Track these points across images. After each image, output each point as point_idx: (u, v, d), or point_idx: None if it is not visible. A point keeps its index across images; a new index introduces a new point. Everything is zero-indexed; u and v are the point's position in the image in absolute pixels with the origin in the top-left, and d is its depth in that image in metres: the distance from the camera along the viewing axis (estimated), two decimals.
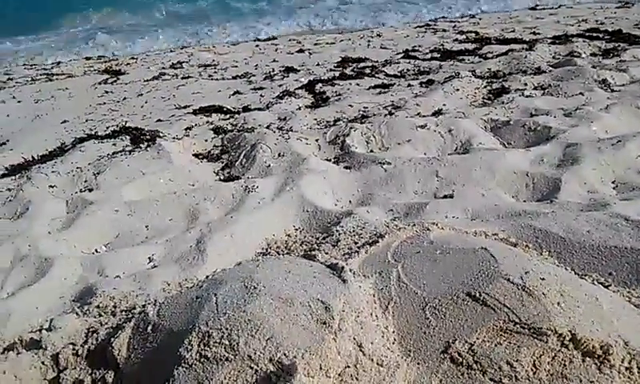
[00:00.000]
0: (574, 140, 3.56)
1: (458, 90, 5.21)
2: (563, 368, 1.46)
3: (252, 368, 1.44)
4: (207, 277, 2.03)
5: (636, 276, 2.12)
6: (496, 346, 1.52)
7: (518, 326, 1.55)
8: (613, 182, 3.13)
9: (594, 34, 7.57)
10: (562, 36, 7.60)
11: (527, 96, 4.82)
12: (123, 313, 2.14)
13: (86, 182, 3.73)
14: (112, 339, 1.80)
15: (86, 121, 5.48)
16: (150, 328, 1.74)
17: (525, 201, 3.07)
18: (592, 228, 2.40)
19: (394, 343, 1.58)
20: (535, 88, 5.12)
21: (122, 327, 1.87)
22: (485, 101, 4.96)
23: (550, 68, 5.82)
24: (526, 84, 5.22)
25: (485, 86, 5.33)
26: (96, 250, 2.93)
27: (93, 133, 4.82)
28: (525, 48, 6.92)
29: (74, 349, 1.87)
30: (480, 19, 11.30)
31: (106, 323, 2.04)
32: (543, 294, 1.59)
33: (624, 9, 10.70)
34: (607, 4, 11.68)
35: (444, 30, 9.85)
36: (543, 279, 1.64)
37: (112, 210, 3.19)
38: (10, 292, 2.50)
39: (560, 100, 4.69)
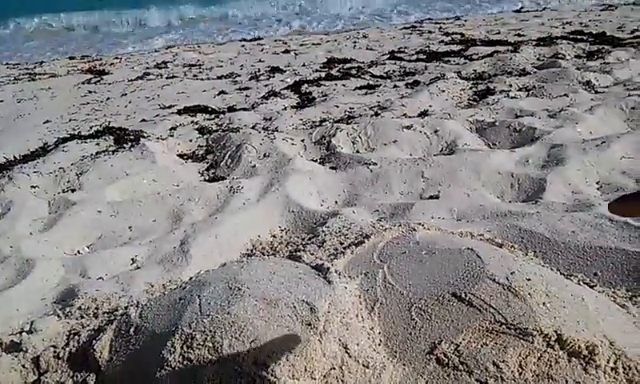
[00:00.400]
0: (559, 141, 3.58)
1: (443, 91, 5.22)
2: (549, 368, 1.46)
3: (236, 370, 1.42)
4: (191, 278, 2.00)
5: (620, 276, 2.12)
6: (482, 346, 1.52)
7: (503, 326, 1.55)
8: (597, 183, 3.14)
9: (579, 37, 7.64)
10: (547, 38, 7.66)
11: (512, 97, 4.85)
12: (105, 315, 2.10)
13: (68, 182, 3.68)
14: (94, 341, 1.76)
15: (69, 121, 5.41)
16: (132, 330, 1.71)
17: (510, 201, 3.08)
18: (577, 228, 2.41)
19: (379, 344, 1.56)
20: (520, 89, 5.15)
21: (103, 329, 1.84)
22: (470, 102, 4.98)
23: (535, 70, 5.86)
24: (510, 85, 5.25)
25: (470, 88, 5.35)
26: (78, 252, 2.88)
27: (76, 133, 4.76)
28: (510, 50, 6.97)
29: (55, 351, 1.83)
30: (465, 21, 11.35)
31: (88, 325, 2.00)
32: (529, 294, 1.58)
33: (608, 11, 10.82)
34: (591, 6, 11.80)
35: (430, 32, 9.88)
36: (529, 280, 1.64)
37: (95, 211, 3.15)
38: None
39: (545, 101, 4.72)
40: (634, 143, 3.45)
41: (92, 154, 4.10)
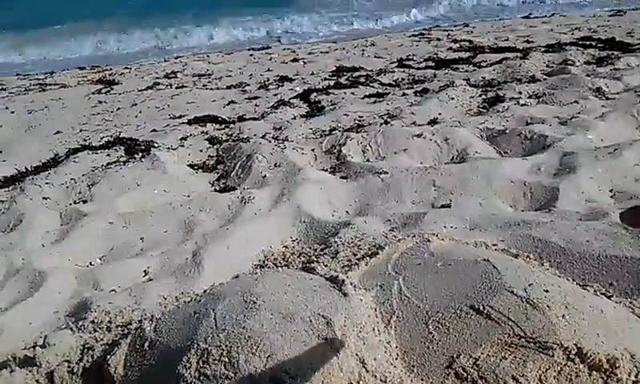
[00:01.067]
0: (571, 148, 3.55)
1: (452, 98, 5.21)
2: (570, 383, 1.44)
3: None
4: (205, 291, 1.99)
5: (637, 286, 2.10)
6: (501, 360, 1.50)
7: (522, 339, 1.53)
8: (610, 191, 3.12)
9: (588, 43, 7.60)
10: (556, 44, 7.63)
11: (522, 104, 4.82)
12: (119, 328, 2.10)
13: (80, 193, 3.69)
14: (108, 356, 1.76)
15: (80, 131, 5.43)
16: (147, 345, 1.70)
17: (523, 210, 3.05)
18: (592, 237, 2.38)
19: (397, 359, 1.55)
20: (530, 96, 5.13)
21: (118, 344, 1.83)
22: (480, 109, 4.96)
23: (545, 76, 5.83)
24: (520, 92, 5.22)
25: (480, 95, 5.34)
26: (90, 263, 2.88)
27: (87, 143, 4.78)
28: (519, 56, 6.94)
29: (69, 366, 1.83)
30: (474, 28, 11.34)
31: (102, 339, 2.00)
32: (548, 306, 1.56)
33: (617, 17, 10.77)
34: (600, 12, 11.76)
35: (438, 39, 9.87)
36: (547, 291, 1.62)
37: (106, 222, 3.15)
38: (3, 307, 2.44)
39: (555, 108, 4.69)
40: None
41: (103, 165, 4.11)
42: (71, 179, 3.87)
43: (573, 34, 8.80)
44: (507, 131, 4.07)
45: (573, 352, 1.46)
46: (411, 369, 1.52)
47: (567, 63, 6.31)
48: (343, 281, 1.81)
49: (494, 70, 6.35)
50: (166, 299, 2.35)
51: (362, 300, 1.72)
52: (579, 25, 9.80)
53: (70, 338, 2.02)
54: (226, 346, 1.49)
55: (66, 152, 4.58)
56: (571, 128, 4.00)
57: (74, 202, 3.60)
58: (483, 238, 2.53)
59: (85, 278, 2.63)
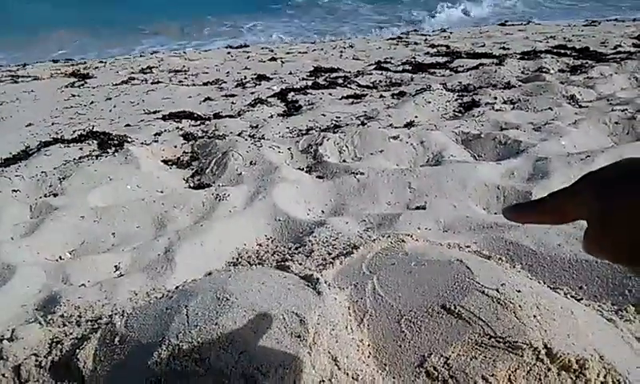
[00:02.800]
0: (544, 154, 3.61)
1: (429, 102, 5.25)
2: (539, 382, 1.45)
3: (224, 383, 1.39)
4: (177, 287, 1.97)
5: (606, 290, 2.14)
6: (471, 359, 1.51)
7: (492, 339, 1.54)
8: None
9: (562, 51, 7.74)
10: (531, 52, 7.75)
11: (497, 110, 4.88)
12: (89, 323, 2.06)
13: (50, 186, 3.62)
14: (77, 351, 1.72)
15: (52, 124, 5.34)
16: (117, 339, 1.67)
17: (496, 213, 3.09)
18: (562, 241, 2.42)
19: (369, 357, 1.55)
20: (505, 102, 5.20)
21: (87, 338, 1.80)
22: (456, 113, 5.01)
23: (520, 83, 5.92)
24: (495, 98, 5.29)
25: (456, 99, 5.39)
26: (60, 257, 2.83)
27: (59, 137, 4.70)
28: (495, 63, 7.03)
29: (36, 360, 1.78)
30: (451, 33, 11.44)
31: (71, 334, 1.96)
32: (519, 306, 1.58)
33: (591, 27, 10.98)
34: (574, 22, 11.97)
35: (415, 43, 9.94)
36: (519, 292, 1.64)
37: (77, 216, 3.10)
38: None
39: (529, 114, 4.76)
40: (618, 157, 3.44)
41: (75, 159, 4.05)
42: (42, 172, 3.80)
43: (548, 42, 8.94)
44: (482, 136, 4.12)
45: (542, 352, 1.48)
46: (383, 367, 1.52)
47: (542, 71, 6.41)
48: (317, 279, 1.81)
49: (470, 75, 6.43)
50: (137, 295, 2.32)
51: (335, 298, 1.72)
52: (554, 33, 9.96)
53: (39, 331, 1.98)
54: (198, 343, 1.47)
55: (37, 145, 4.50)
56: (545, 134, 4.06)
57: (45, 196, 3.53)
58: (457, 239, 2.55)
59: (54, 272, 2.58)
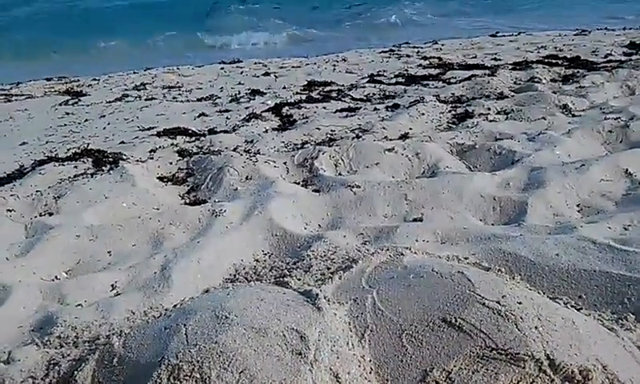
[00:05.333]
0: (539, 164, 3.62)
1: (423, 114, 5.26)
2: None
3: None
4: (175, 306, 1.95)
5: (605, 299, 2.14)
6: (473, 373, 1.50)
7: (494, 351, 1.54)
8: (578, 205, 3.18)
9: (554, 61, 7.79)
10: (523, 62, 7.80)
11: (491, 120, 4.90)
12: (86, 344, 2.04)
13: (45, 205, 3.60)
14: (75, 372, 1.71)
15: (46, 143, 5.32)
16: (115, 360, 1.65)
17: (493, 224, 3.09)
18: (560, 251, 2.42)
19: (370, 372, 1.54)
20: (498, 112, 5.22)
21: (85, 359, 1.78)
22: (450, 125, 5.03)
23: (512, 93, 5.95)
24: (489, 109, 5.31)
25: (449, 111, 5.40)
26: (56, 277, 2.81)
27: (53, 155, 4.68)
28: (487, 74, 7.07)
29: (34, 383, 1.77)
30: (442, 45, 11.50)
31: (68, 355, 1.94)
32: (521, 318, 1.58)
33: (581, 36, 11.07)
34: (565, 31, 12.07)
35: (408, 56, 9.99)
36: (520, 303, 1.63)
37: (73, 235, 3.08)
38: None
39: (523, 124, 4.78)
40: (612, 166, 3.50)
41: (70, 177, 4.03)
42: (37, 191, 3.78)
43: (539, 52, 9.00)
44: (476, 146, 4.13)
45: (545, 363, 1.47)
46: (385, 382, 1.51)
47: (534, 80, 6.45)
48: (317, 295, 1.80)
49: (462, 86, 6.45)
50: (134, 314, 2.30)
51: (335, 314, 1.71)
52: (545, 43, 10.04)
53: (35, 353, 1.96)
54: (198, 362, 1.46)
55: (31, 163, 4.47)
56: (539, 144, 4.07)
57: (40, 215, 3.51)
58: (455, 251, 2.54)
59: (50, 292, 2.55)
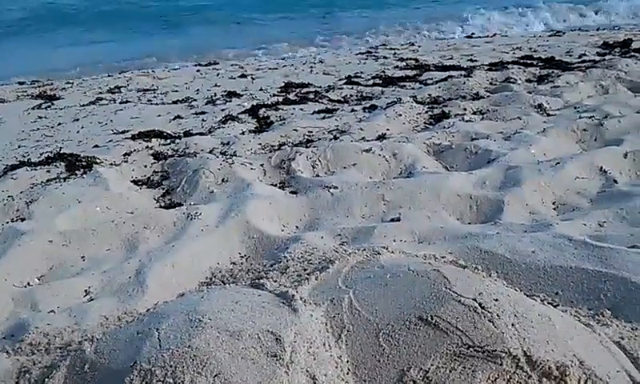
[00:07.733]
0: (515, 163, 3.64)
1: (400, 115, 5.26)
2: None
3: None
4: (148, 310, 1.92)
5: (581, 295, 2.15)
6: (451, 371, 1.49)
7: (471, 349, 1.53)
8: (553, 203, 3.20)
9: (529, 61, 7.87)
10: (498, 63, 7.86)
11: (467, 121, 4.92)
12: (58, 350, 1.99)
13: (17, 211, 3.52)
14: (46, 379, 1.67)
15: (19, 147, 5.22)
16: (87, 366, 1.61)
17: (469, 223, 3.10)
18: (537, 248, 2.43)
19: (348, 373, 1.52)
20: (474, 113, 5.25)
21: (56, 366, 1.74)
22: (426, 125, 5.04)
23: (488, 93, 5.99)
24: (465, 109, 5.34)
25: (426, 111, 5.42)
26: (28, 283, 2.75)
27: (25, 159, 4.58)
28: (463, 74, 7.11)
29: None
30: (419, 47, 11.56)
31: (40, 362, 1.89)
32: (497, 315, 1.57)
33: (555, 37, 11.21)
34: (540, 33, 12.22)
35: (385, 57, 10.01)
36: (496, 300, 1.63)
37: (45, 241, 3.01)
38: None
39: (499, 124, 4.81)
40: (587, 164, 3.54)
41: (42, 182, 3.95)
42: (8, 196, 3.70)
43: (514, 53, 9.09)
44: (453, 146, 4.14)
45: (522, 360, 1.47)
46: (362, 383, 1.49)
47: (509, 81, 6.51)
48: (293, 296, 1.77)
49: (439, 87, 6.48)
50: (107, 319, 2.25)
51: (312, 315, 1.69)
52: (520, 44, 10.14)
53: (6, 360, 1.92)
54: (171, 366, 1.43)
55: (3, 168, 4.38)
56: (515, 143, 4.10)
57: (12, 220, 3.43)
58: (432, 250, 2.54)
59: (22, 298, 2.50)
